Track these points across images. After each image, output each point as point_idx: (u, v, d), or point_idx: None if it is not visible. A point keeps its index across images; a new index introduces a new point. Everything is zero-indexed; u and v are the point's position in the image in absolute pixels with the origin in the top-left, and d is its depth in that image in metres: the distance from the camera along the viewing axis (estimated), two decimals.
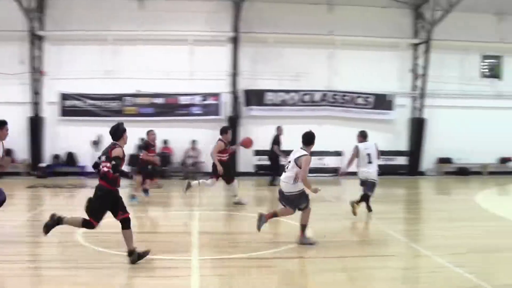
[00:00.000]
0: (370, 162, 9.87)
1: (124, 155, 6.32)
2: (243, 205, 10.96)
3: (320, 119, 17.75)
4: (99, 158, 6.38)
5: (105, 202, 6.21)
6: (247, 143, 11.30)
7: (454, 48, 18.99)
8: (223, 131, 11.02)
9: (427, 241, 8.42)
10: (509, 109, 19.29)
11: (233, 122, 17.31)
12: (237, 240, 8.17)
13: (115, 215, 6.28)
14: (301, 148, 7.42)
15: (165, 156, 16.81)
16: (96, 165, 6.45)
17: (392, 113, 18.80)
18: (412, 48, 19.15)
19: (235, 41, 17.72)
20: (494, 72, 19.90)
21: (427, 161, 19.17)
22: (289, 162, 7.43)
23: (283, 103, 18.27)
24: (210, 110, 17.95)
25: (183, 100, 17.91)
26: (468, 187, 16.65)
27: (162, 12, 17.47)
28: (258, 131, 16.94)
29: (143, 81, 17.59)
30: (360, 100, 18.60)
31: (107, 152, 6.23)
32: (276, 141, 15.16)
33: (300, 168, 7.18)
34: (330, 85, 18.53)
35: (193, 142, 17.49)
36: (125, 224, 6.25)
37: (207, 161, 14.92)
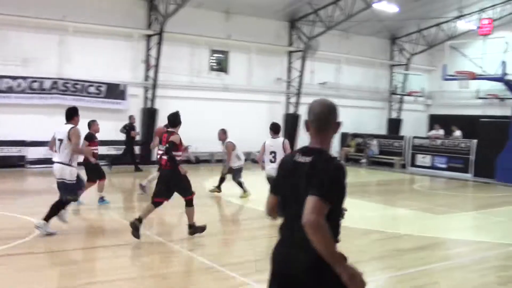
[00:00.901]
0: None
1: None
2: None
3: (51, 108, 18.85)
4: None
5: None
6: None
7: (185, 41, 22.19)
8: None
9: (161, 228, 9.91)
10: (235, 101, 23.38)
11: None
12: None
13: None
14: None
15: None
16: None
17: (124, 102, 21.10)
18: (145, 39, 21.66)
19: None
20: (221, 66, 23.77)
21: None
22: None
23: (10, 90, 18.93)
24: None
25: None
26: (198, 175, 18.93)
27: None
28: None
29: None
30: (92, 89, 20.42)
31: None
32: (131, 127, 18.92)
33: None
34: (62, 72, 19.89)
35: None
36: None
37: None
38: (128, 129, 19.42)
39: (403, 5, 24.11)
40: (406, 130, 29.15)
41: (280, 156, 10.59)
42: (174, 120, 9.29)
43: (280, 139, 11.20)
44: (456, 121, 25.31)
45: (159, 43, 21.16)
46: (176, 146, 8.86)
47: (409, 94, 28.57)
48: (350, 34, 27.48)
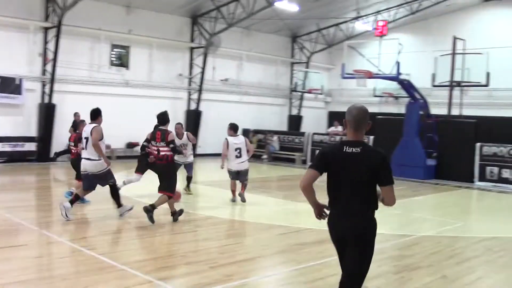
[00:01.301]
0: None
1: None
2: None
3: None
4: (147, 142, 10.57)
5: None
6: None
7: (85, 35, 22.57)
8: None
9: (59, 227, 9.77)
10: (135, 96, 24.10)
11: None
12: None
13: None
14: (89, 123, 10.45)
15: None
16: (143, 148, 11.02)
17: (20, 97, 21.09)
18: (42, 32, 21.76)
19: None
20: (122, 61, 24.35)
21: (57, 147, 21.65)
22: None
23: None
24: None
25: None
26: None
27: None
28: None
29: None
30: None
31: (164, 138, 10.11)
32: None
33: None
34: None
35: None
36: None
37: None
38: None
39: (303, 5, 25.76)
40: (307, 127, 30.96)
41: (244, 151, 12.95)
42: (164, 118, 10.44)
43: (241, 137, 13.34)
44: None
45: (57, 36, 21.23)
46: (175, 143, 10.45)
47: (309, 92, 30.44)
48: (252, 32, 28.88)
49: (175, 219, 10.48)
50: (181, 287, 6.78)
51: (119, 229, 10.21)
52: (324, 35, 31.15)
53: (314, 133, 26.67)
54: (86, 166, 10.27)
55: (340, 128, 25.80)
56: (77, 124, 18.71)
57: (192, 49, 26.68)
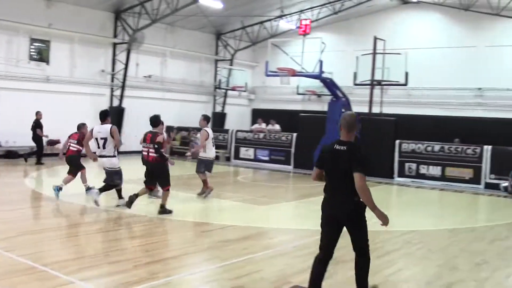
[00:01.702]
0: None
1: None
2: None
3: None
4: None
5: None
6: None
7: (2, 28, 21.71)
8: None
9: None
10: (57, 92, 23.43)
11: None
12: None
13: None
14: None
15: None
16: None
17: None
18: None
19: None
20: (42, 56, 23.60)
21: None
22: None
23: None
24: None
25: None
26: (17, 170, 18.90)
27: None
28: None
29: None
30: None
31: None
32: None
33: None
34: None
35: None
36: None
37: None
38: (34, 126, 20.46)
39: (228, 2, 25.78)
40: (230, 124, 31.10)
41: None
42: (156, 121, 11.46)
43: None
44: (278, 115, 27.62)
45: None
46: (161, 144, 11.23)
47: (233, 89, 30.53)
48: (176, 28, 28.70)
49: (160, 212, 11.26)
50: (104, 287, 6.65)
51: (39, 229, 9.88)
52: (248, 32, 31.36)
53: (238, 130, 26.84)
54: (104, 163, 11.60)
55: (264, 125, 26.05)
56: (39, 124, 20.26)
57: (115, 44, 26.20)
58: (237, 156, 25.90)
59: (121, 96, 26.13)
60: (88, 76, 25.16)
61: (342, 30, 31.06)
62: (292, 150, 23.76)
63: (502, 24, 25.88)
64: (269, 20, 29.99)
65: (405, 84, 23.94)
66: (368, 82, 23.48)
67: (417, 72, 25.19)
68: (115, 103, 26.26)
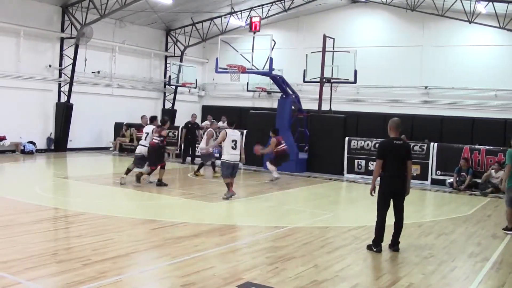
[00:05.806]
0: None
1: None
2: None
3: None
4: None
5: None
6: None
7: None
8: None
9: None
10: (1, 88, 22.88)
11: None
12: None
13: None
14: None
15: None
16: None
17: None
18: None
19: None
20: None
21: None
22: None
23: None
24: None
25: None
26: None
27: None
28: None
29: None
30: None
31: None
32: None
33: None
34: None
35: None
36: None
37: None
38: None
39: None
40: (181, 121, 30.88)
41: (239, 143, 14.17)
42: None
43: (237, 131, 14.61)
44: (227, 112, 27.58)
45: None
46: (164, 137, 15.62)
47: (183, 85, 30.41)
48: (125, 23, 28.32)
49: (157, 184, 15.43)
50: (53, 287, 6.52)
51: None
52: (199, 29, 31.21)
53: None
54: (141, 150, 15.98)
55: (216, 122, 25.92)
56: None
57: (62, 39, 25.67)
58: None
59: (69, 92, 25.58)
60: (35, 71, 24.59)
61: (292, 27, 31.30)
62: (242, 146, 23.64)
63: (446, 24, 26.55)
64: (220, 16, 29.94)
65: (354, 82, 24.35)
66: (318, 80, 23.74)
67: (366, 70, 25.67)
68: (63, 99, 25.71)
